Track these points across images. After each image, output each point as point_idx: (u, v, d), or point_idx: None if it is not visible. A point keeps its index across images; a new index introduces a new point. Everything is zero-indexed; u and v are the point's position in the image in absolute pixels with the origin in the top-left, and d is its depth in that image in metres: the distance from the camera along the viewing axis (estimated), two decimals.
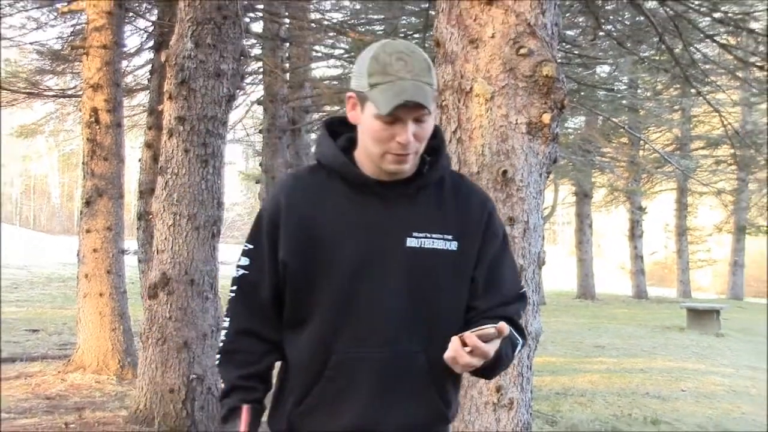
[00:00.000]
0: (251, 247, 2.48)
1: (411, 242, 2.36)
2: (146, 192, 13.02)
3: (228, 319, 2.52)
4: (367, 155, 2.37)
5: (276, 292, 2.43)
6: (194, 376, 7.44)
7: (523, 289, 2.60)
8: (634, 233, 33.05)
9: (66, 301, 19.02)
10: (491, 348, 2.20)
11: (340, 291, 2.34)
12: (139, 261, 13.76)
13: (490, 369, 2.37)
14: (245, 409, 2.42)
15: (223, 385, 2.49)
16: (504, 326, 2.18)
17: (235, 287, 2.51)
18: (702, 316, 19.49)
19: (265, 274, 2.43)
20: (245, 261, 2.48)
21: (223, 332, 2.52)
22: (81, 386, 9.27)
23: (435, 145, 2.44)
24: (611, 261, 57.37)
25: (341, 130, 2.48)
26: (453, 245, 2.39)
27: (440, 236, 2.38)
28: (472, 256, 2.43)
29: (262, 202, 2.56)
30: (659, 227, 42.35)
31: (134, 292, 12.46)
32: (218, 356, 2.52)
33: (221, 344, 2.52)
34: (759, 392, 11.13)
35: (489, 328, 2.17)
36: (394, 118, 2.23)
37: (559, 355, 13.84)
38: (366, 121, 2.30)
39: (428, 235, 2.37)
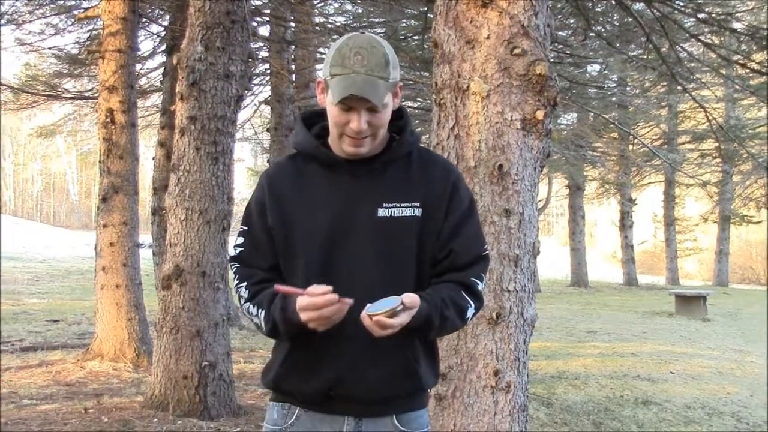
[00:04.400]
0: (245, 228, 2.58)
1: (381, 212, 2.44)
2: (160, 188, 13.05)
3: (240, 285, 2.54)
4: (332, 137, 2.48)
5: (273, 261, 2.51)
6: (206, 363, 7.43)
7: (485, 252, 2.60)
8: (625, 224, 33.08)
9: (84, 292, 19.04)
10: (398, 320, 2.24)
11: (318, 260, 2.44)
12: (154, 254, 13.81)
13: (423, 331, 2.41)
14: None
15: (264, 325, 2.45)
16: (409, 298, 2.26)
17: (234, 263, 2.58)
18: (689, 302, 19.50)
19: (261, 248, 2.53)
20: (240, 240, 2.59)
21: (242, 300, 2.53)
22: (99, 373, 9.29)
23: (401, 125, 2.56)
24: (603, 250, 57.48)
25: (316, 121, 2.60)
26: (418, 212, 2.47)
27: (408, 205, 2.46)
28: (436, 221, 2.49)
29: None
30: (648, 218, 42.36)
31: (149, 284, 12.43)
32: (248, 308, 2.51)
33: (244, 305, 2.53)
34: (744, 373, 11.12)
35: (387, 310, 2.23)
36: (347, 106, 2.35)
37: (554, 340, 13.84)
38: (328, 106, 2.43)
39: (397, 205, 2.45)
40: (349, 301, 2.23)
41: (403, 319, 2.25)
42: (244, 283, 2.52)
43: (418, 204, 2.46)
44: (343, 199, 2.45)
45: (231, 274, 2.59)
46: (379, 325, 2.22)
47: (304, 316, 2.25)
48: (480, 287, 2.55)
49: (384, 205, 2.44)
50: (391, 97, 2.43)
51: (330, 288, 2.22)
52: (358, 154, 2.43)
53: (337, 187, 2.47)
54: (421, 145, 2.65)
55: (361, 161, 2.47)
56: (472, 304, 2.51)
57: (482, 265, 2.59)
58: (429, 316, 2.35)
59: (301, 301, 2.25)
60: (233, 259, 2.58)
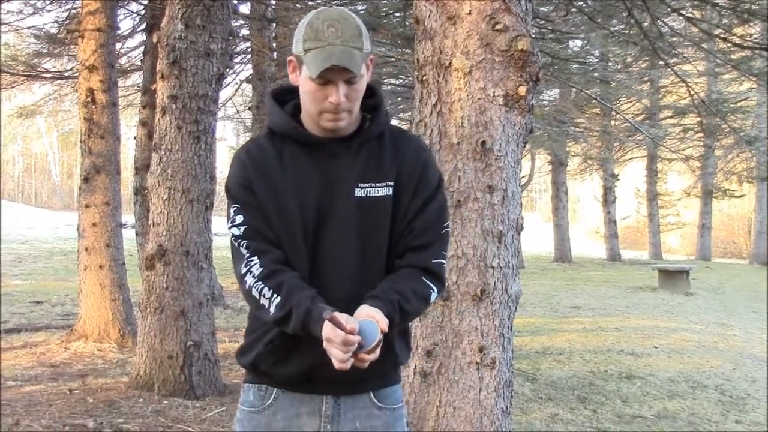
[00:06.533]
0: (238, 205, 2.46)
1: (358, 192, 2.44)
2: (142, 168, 12.97)
3: (252, 260, 2.41)
4: (308, 115, 2.45)
5: (276, 233, 2.44)
6: (191, 342, 7.43)
7: (444, 230, 2.55)
8: (607, 199, 33.12)
9: (68, 273, 18.96)
10: (378, 349, 2.24)
11: (303, 242, 2.42)
12: (137, 234, 13.74)
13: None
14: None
15: (276, 311, 2.32)
16: (384, 322, 2.23)
17: (241, 240, 2.44)
18: (672, 277, 19.59)
19: (260, 220, 2.44)
20: (240, 218, 2.45)
21: (252, 277, 2.38)
22: (84, 354, 9.27)
23: (374, 104, 2.54)
24: (586, 226, 57.75)
25: (288, 98, 2.56)
26: (390, 191, 2.46)
27: (383, 184, 2.46)
28: (404, 200, 2.48)
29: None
30: (631, 193, 42.56)
31: (132, 264, 12.43)
32: (260, 288, 2.37)
33: (255, 283, 2.38)
34: (726, 347, 11.20)
35: (371, 347, 2.21)
36: (325, 80, 2.32)
37: (538, 315, 13.89)
38: (303, 83, 2.39)
39: (372, 185, 2.45)
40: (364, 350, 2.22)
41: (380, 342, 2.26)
42: (257, 258, 2.40)
43: (391, 183, 2.47)
44: (323, 180, 2.44)
45: (240, 251, 2.43)
46: (363, 360, 2.22)
47: (330, 348, 2.18)
48: (443, 267, 2.54)
49: (360, 185, 2.44)
50: (365, 69, 2.41)
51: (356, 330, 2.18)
52: (338, 128, 2.41)
53: (317, 167, 2.45)
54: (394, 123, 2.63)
55: (337, 141, 2.45)
56: (435, 288, 2.48)
57: (442, 244, 2.56)
58: (389, 316, 2.30)
59: (343, 336, 2.15)
60: (239, 237, 2.45)
